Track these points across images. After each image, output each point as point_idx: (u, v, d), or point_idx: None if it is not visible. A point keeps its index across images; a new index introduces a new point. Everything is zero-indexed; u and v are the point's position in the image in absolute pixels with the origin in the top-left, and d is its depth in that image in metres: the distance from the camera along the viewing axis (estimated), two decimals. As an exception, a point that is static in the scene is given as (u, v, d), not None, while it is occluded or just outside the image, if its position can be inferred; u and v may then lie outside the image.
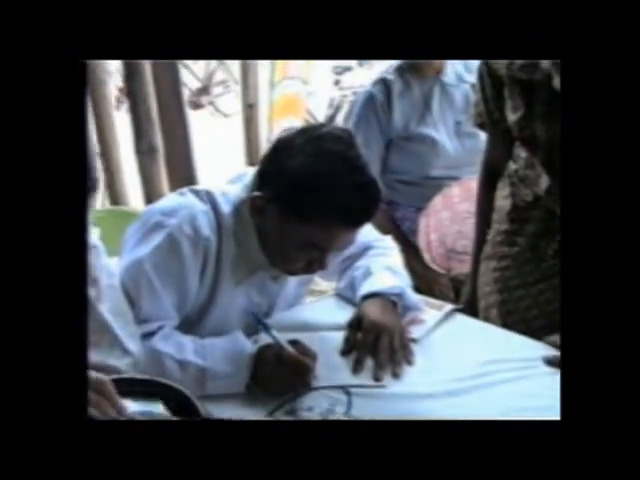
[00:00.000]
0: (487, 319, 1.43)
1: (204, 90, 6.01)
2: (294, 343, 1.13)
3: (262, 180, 1.15)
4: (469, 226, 1.78)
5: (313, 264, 1.16)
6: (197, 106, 5.94)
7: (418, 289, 1.74)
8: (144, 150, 1.98)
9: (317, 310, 1.38)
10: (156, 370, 1.07)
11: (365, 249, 1.39)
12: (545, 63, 1.22)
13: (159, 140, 1.99)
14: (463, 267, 1.83)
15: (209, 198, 1.19)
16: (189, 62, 6.07)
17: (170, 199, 1.24)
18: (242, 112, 3.17)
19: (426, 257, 1.76)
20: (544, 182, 1.31)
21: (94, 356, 0.99)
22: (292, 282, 1.32)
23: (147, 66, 1.90)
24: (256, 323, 1.17)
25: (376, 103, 1.72)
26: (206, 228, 1.15)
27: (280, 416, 1.06)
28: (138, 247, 1.15)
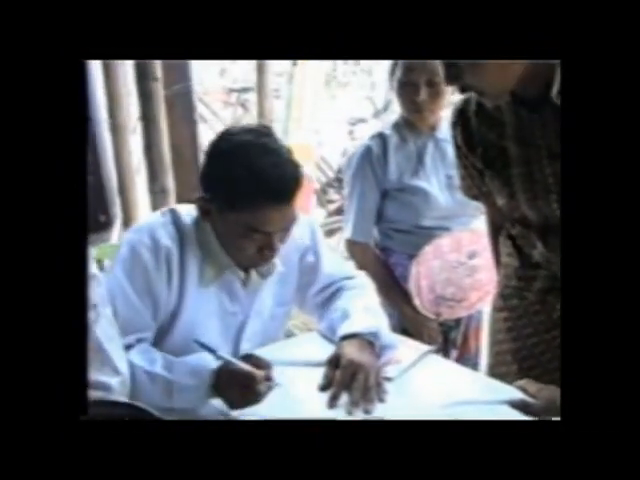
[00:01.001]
0: (499, 363, 1.50)
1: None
2: (247, 357, 1.23)
3: (202, 185, 1.28)
4: (458, 274, 1.86)
5: (263, 250, 1.26)
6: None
7: (407, 331, 1.82)
8: (156, 190, 2.11)
9: (298, 346, 1.46)
10: (131, 382, 1.17)
11: (340, 288, 1.49)
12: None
13: (170, 182, 2.13)
14: (452, 313, 1.90)
15: (171, 214, 1.33)
16: (218, 109, 6.30)
17: (139, 221, 1.40)
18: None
19: (416, 302, 1.82)
20: (540, 254, 1.36)
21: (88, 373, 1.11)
22: (267, 297, 1.42)
23: (163, 115, 2.05)
24: (200, 347, 1.24)
25: (372, 156, 1.82)
26: (165, 238, 1.28)
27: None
28: (112, 265, 1.31)
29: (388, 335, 1.42)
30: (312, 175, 3.66)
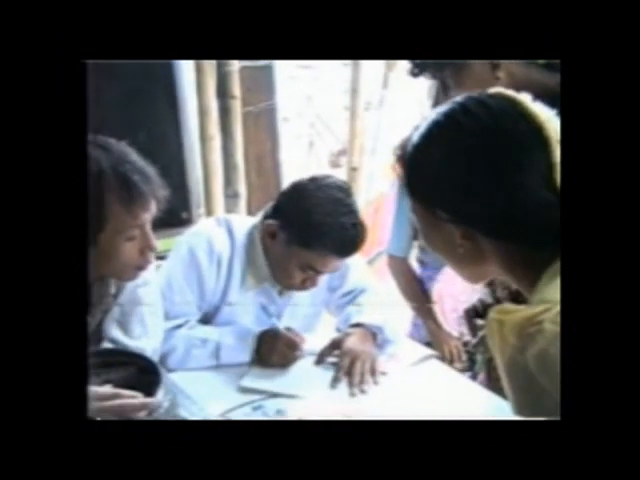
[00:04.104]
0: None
1: (343, 152, 6.47)
2: (288, 329, 1.52)
3: (277, 211, 1.48)
4: (481, 295, 1.93)
5: (306, 282, 1.48)
6: (335, 165, 6.43)
7: (432, 345, 1.93)
8: (230, 194, 2.40)
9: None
10: (184, 349, 1.45)
11: (362, 291, 1.68)
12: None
13: (243, 188, 2.41)
14: (475, 334, 1.97)
15: (226, 223, 1.55)
16: (333, 124, 6.56)
17: (197, 226, 1.63)
18: (346, 174, 3.53)
19: (440, 319, 1.93)
20: None
21: (128, 340, 1.29)
22: (300, 299, 1.62)
23: (239, 129, 2.33)
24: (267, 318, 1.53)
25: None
26: (219, 244, 1.51)
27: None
28: (171, 260, 1.54)
29: (393, 332, 1.61)
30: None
